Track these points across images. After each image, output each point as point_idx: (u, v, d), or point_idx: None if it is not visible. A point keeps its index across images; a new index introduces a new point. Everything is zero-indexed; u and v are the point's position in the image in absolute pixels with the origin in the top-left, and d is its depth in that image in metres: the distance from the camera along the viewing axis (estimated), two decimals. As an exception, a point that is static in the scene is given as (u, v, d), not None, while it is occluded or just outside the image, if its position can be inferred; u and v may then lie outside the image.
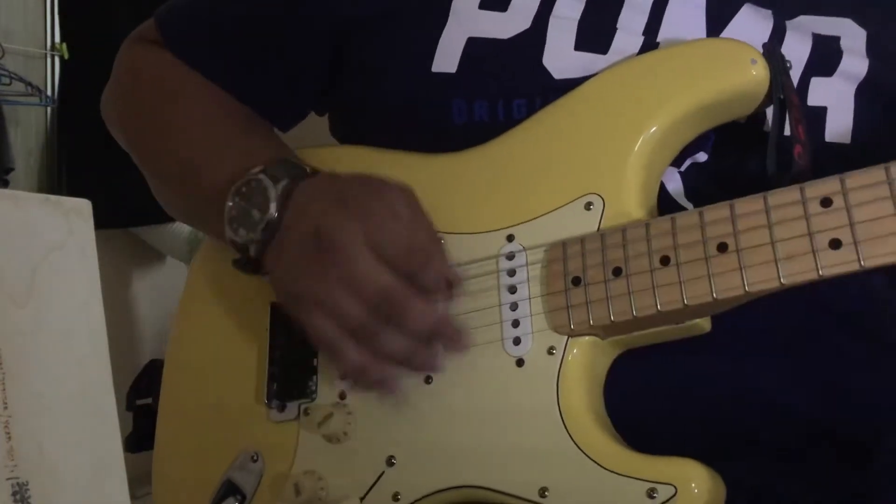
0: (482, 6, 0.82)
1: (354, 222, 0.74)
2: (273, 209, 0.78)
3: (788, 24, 0.80)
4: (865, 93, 0.80)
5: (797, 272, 0.67)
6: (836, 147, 0.79)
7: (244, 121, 0.93)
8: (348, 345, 0.75)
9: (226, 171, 0.83)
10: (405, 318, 0.74)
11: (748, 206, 0.69)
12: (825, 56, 0.80)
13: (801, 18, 0.81)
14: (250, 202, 0.80)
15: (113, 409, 0.56)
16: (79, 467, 0.54)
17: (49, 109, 2.81)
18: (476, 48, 0.81)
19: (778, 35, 0.79)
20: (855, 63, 0.80)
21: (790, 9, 0.81)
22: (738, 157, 0.79)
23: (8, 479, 0.50)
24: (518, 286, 0.76)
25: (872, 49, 0.81)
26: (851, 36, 0.81)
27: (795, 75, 0.79)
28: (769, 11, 0.81)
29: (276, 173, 0.80)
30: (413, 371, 0.77)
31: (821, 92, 0.79)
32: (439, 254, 0.77)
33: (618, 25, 0.80)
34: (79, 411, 0.54)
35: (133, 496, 0.56)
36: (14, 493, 0.50)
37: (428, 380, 0.78)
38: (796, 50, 0.79)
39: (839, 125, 0.79)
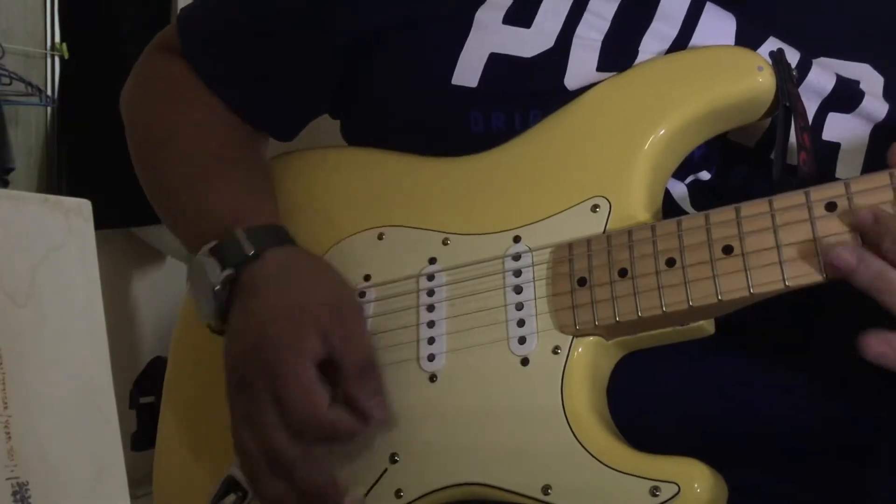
0: (506, 21, 0.82)
1: (262, 377, 0.75)
2: (219, 297, 0.80)
3: (813, 61, 0.80)
4: (882, 135, 0.80)
5: (802, 275, 0.67)
6: None
7: (231, 164, 0.92)
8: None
9: (196, 236, 0.85)
10: (290, 480, 0.75)
11: (754, 208, 0.69)
12: (847, 93, 0.80)
13: (822, 60, 0.81)
14: (200, 286, 0.81)
15: (113, 409, 0.56)
16: (79, 467, 0.53)
17: (49, 109, 2.81)
18: (498, 64, 0.81)
19: (803, 67, 0.79)
20: (876, 105, 0.80)
21: (812, 49, 0.81)
22: (742, 179, 0.80)
23: (8, 479, 0.50)
24: (524, 286, 0.76)
25: (890, 94, 0.81)
26: (870, 81, 0.81)
27: (813, 107, 0.79)
28: (793, 47, 0.81)
29: (224, 255, 0.81)
30: None
31: (836, 128, 0.80)
32: (364, 396, 0.74)
33: (640, 48, 0.80)
34: (79, 411, 0.54)
35: (133, 496, 0.56)
36: (14, 493, 0.50)
37: (432, 378, 0.78)
38: (819, 83, 0.80)
39: (850, 163, 0.79)
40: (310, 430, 0.73)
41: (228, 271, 0.80)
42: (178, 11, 1.01)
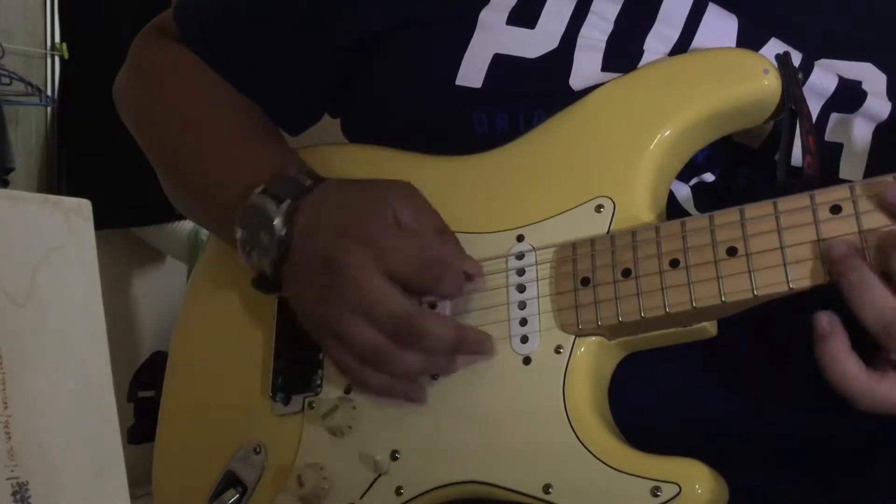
0: (510, 22, 0.81)
1: (361, 248, 0.74)
2: (280, 231, 0.79)
3: (815, 62, 0.81)
4: (885, 134, 0.80)
5: (806, 277, 0.67)
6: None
7: (253, 128, 0.92)
8: (367, 374, 0.77)
9: (235, 190, 0.84)
10: (422, 340, 0.74)
11: (758, 210, 0.69)
12: (850, 94, 0.80)
13: (824, 61, 0.81)
14: (257, 226, 0.80)
15: (113, 409, 0.56)
16: (79, 467, 0.53)
17: (49, 109, 2.81)
18: (502, 65, 0.81)
19: (806, 69, 0.80)
20: (878, 105, 0.80)
21: (813, 50, 0.81)
22: (746, 180, 0.80)
23: (8, 479, 0.50)
24: (527, 285, 0.76)
25: (893, 93, 0.81)
26: (872, 80, 0.81)
27: (816, 108, 0.79)
28: (795, 49, 0.81)
29: (279, 192, 0.80)
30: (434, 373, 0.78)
31: (839, 128, 0.80)
32: (452, 255, 0.76)
33: (644, 48, 0.80)
34: (79, 411, 0.54)
35: (133, 496, 0.56)
36: (14, 493, 0.50)
37: (434, 376, 0.77)
38: (822, 84, 0.80)
39: (854, 163, 0.79)
40: (437, 275, 0.74)
41: (287, 202, 0.79)
42: (174, 2, 1.01)
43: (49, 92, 2.78)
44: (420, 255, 0.74)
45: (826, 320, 0.66)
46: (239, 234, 0.81)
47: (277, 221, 0.79)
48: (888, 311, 0.64)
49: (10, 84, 2.60)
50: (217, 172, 0.90)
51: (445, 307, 0.78)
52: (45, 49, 2.80)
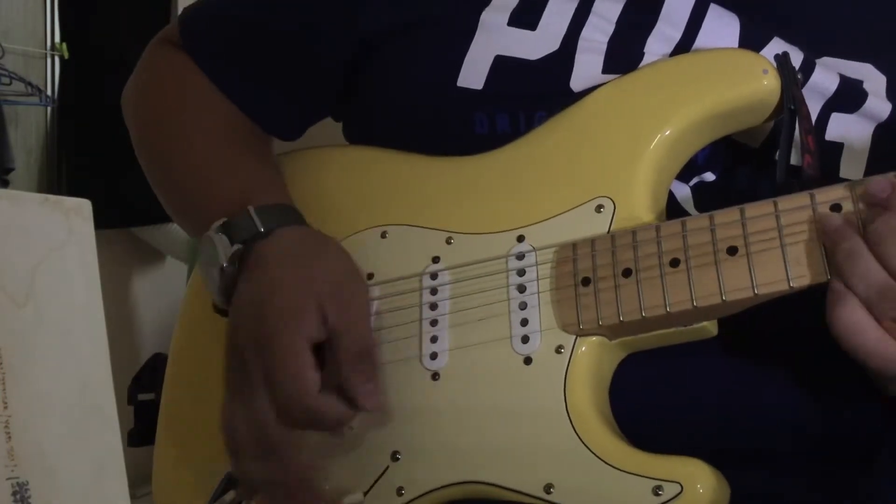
0: (511, 23, 0.82)
1: (257, 351, 0.75)
2: (226, 272, 0.80)
3: (817, 61, 0.81)
4: (884, 135, 0.80)
5: (806, 275, 0.67)
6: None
7: (238, 150, 0.92)
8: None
9: (203, 218, 0.84)
10: (272, 462, 0.75)
11: (758, 209, 0.69)
12: (851, 94, 0.80)
13: (825, 60, 0.81)
14: (210, 261, 0.81)
15: (113, 409, 0.56)
16: (79, 467, 0.53)
17: (49, 109, 2.81)
18: (503, 67, 0.81)
19: (807, 68, 0.80)
20: (878, 105, 0.80)
21: (814, 49, 0.81)
22: (747, 179, 0.80)
23: (8, 479, 0.50)
24: (527, 285, 0.76)
25: (893, 94, 0.81)
26: (872, 81, 0.82)
27: (816, 108, 0.79)
28: (797, 48, 0.81)
29: (234, 231, 0.80)
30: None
31: (839, 127, 0.80)
32: (323, 405, 0.74)
33: (645, 50, 0.80)
34: (79, 411, 0.54)
35: (133, 496, 0.56)
36: (14, 493, 0.50)
37: (435, 376, 0.77)
38: (823, 84, 0.80)
39: (854, 163, 0.79)
40: (295, 412, 0.73)
41: (237, 247, 0.80)
42: (181, 11, 1.01)
43: (49, 92, 2.79)
44: (299, 403, 0.73)
45: (842, 284, 0.65)
46: (198, 263, 0.82)
47: (224, 262, 0.79)
48: (875, 278, 0.64)
49: (10, 84, 2.61)
50: (192, 196, 0.90)
51: (446, 307, 0.78)
52: (45, 49, 2.80)
